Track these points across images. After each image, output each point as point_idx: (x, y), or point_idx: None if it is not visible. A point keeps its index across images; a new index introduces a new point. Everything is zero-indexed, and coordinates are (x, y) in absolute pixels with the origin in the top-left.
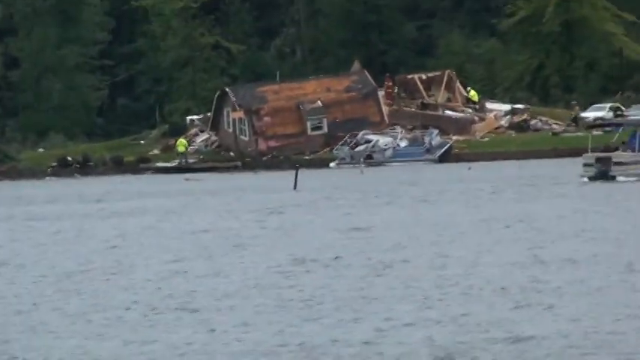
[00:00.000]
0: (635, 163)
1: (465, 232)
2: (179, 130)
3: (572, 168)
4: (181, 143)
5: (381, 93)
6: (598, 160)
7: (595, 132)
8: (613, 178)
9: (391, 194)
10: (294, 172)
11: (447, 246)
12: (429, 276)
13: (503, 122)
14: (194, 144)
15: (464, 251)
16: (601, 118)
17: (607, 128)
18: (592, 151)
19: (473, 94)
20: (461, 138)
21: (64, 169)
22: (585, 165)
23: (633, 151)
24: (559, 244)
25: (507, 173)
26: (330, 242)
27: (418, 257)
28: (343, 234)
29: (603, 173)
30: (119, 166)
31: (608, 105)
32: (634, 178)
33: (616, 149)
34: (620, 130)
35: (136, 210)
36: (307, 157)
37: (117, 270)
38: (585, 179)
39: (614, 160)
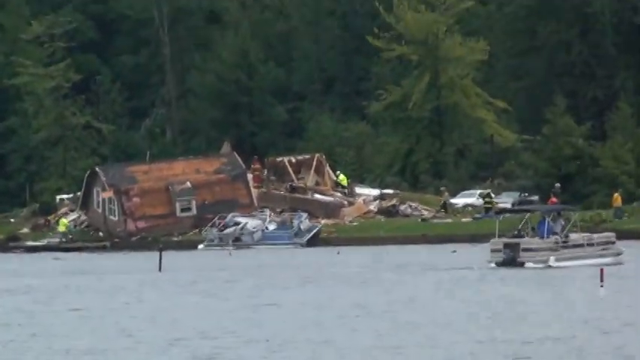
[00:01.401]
0: (544, 250)
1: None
2: (49, 209)
3: (468, 254)
4: (62, 223)
5: (250, 175)
6: (506, 245)
7: (464, 219)
8: (521, 264)
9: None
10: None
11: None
12: None
13: (373, 207)
14: None
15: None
16: (471, 205)
17: (477, 215)
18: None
19: (342, 178)
20: (330, 222)
21: None
22: (493, 251)
23: (542, 237)
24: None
25: (396, 259)
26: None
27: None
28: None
29: (511, 259)
30: None
31: (478, 192)
32: (542, 265)
33: (520, 236)
34: (527, 216)
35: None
36: (176, 239)
37: None
38: (493, 265)
39: (522, 246)
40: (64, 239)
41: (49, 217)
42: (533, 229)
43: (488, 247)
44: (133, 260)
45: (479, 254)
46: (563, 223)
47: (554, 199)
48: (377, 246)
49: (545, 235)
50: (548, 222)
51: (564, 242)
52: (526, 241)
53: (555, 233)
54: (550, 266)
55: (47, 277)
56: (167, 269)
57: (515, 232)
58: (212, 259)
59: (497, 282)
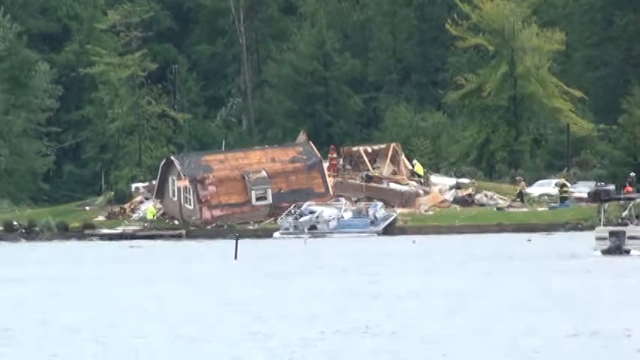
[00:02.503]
0: None
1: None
2: (124, 197)
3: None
4: (151, 211)
5: (325, 164)
6: (612, 233)
7: (539, 209)
8: (627, 252)
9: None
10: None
11: None
12: None
13: (448, 196)
14: (139, 211)
15: None
16: (547, 194)
17: (553, 205)
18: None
19: (418, 168)
20: (405, 211)
21: (9, 233)
22: (598, 239)
23: None
24: None
25: (491, 247)
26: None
27: None
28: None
29: (617, 247)
30: (64, 232)
31: (554, 181)
32: None
33: (625, 223)
34: (632, 204)
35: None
36: (251, 227)
37: None
38: (598, 252)
39: (628, 234)
40: (146, 225)
41: (124, 206)
42: (637, 216)
43: (593, 235)
44: (208, 248)
45: (556, 242)
46: None
47: (629, 188)
48: (452, 235)
49: None
50: None
51: None
52: (632, 229)
53: None
54: None
55: (125, 264)
56: (242, 257)
57: (620, 220)
58: (288, 247)
59: None
